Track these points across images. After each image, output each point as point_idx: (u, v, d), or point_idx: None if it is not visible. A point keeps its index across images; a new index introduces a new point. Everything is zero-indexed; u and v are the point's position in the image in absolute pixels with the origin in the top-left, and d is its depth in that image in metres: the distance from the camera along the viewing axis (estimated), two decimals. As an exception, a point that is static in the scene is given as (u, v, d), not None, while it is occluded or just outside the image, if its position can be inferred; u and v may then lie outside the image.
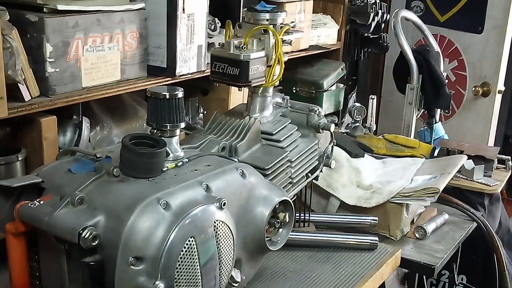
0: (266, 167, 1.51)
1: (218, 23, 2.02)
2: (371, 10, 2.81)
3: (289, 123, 1.68)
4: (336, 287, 1.53)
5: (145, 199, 1.11)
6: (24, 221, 1.14)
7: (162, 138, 1.27)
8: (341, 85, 2.79)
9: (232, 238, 1.23)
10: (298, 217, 1.80)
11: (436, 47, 2.87)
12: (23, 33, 1.46)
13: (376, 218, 1.85)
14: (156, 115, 1.28)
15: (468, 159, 2.39)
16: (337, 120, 2.76)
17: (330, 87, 2.67)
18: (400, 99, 2.82)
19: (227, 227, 1.21)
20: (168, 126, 1.29)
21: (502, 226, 2.57)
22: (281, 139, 1.61)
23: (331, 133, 1.72)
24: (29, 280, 1.20)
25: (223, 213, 1.21)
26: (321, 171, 1.75)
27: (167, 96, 1.27)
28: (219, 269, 1.20)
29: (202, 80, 1.93)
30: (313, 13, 2.52)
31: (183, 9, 1.78)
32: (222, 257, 1.20)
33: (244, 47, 1.55)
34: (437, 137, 2.81)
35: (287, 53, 1.76)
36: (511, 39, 3.25)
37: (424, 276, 2.28)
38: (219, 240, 1.19)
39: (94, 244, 1.08)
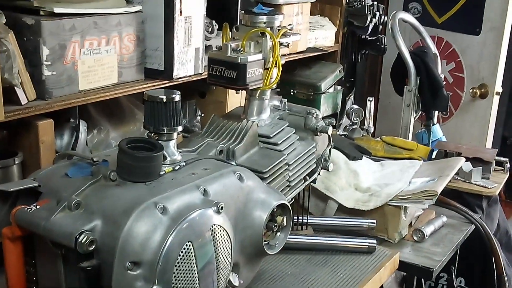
0: (264, 171, 1.51)
1: (215, 25, 2.01)
2: (369, 12, 2.80)
3: (287, 126, 1.67)
4: (334, 291, 1.53)
5: (142, 203, 1.11)
6: (20, 225, 1.13)
7: (159, 141, 1.27)
8: (339, 87, 2.78)
9: (229, 242, 1.23)
10: (296, 220, 1.80)
11: (433, 48, 2.87)
12: (20, 36, 1.46)
13: (374, 221, 1.85)
14: (153, 118, 1.28)
15: (466, 161, 2.39)
16: (335, 122, 2.76)
17: (328, 89, 2.67)
18: (398, 101, 2.82)
19: (224, 231, 1.21)
20: (165, 130, 1.29)
21: (500, 228, 2.57)
22: (279, 142, 1.61)
23: (329, 136, 1.72)
24: (25, 284, 1.19)
25: (221, 217, 1.20)
26: (319, 174, 1.75)
27: (164, 100, 1.27)
28: (217, 274, 1.20)
29: (200, 82, 1.92)
30: (310, 15, 2.52)
31: (180, 12, 1.77)
32: (219, 261, 1.20)
33: (242, 50, 1.55)
34: (435, 139, 2.81)
35: (284, 55, 1.76)
36: (508, 41, 3.26)
37: (422, 279, 2.27)
38: (217, 244, 1.18)
39: (91, 248, 1.07)
